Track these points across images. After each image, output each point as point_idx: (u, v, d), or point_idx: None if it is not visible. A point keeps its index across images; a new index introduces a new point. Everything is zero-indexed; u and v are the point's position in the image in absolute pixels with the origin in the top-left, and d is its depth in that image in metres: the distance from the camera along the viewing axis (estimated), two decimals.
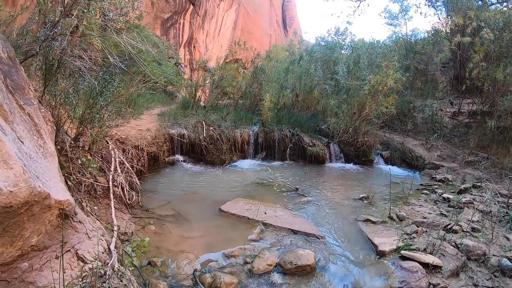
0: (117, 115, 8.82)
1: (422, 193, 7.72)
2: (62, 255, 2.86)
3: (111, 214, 4.68)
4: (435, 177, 9.39)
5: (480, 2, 14.31)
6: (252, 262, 4.07)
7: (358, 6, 19.58)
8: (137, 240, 4.40)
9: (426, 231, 5.16)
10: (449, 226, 5.24)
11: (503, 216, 5.86)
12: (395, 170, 10.83)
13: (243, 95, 13.82)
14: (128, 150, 7.30)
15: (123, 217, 5.08)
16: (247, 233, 4.95)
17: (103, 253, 3.47)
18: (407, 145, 11.80)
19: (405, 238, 4.88)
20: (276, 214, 5.67)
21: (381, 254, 4.44)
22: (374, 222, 5.61)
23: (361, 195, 7.13)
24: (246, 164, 10.09)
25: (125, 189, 5.57)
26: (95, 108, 5.46)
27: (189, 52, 28.40)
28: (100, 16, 12.45)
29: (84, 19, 8.00)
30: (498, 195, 7.39)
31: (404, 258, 4.22)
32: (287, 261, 4.00)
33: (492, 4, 14.41)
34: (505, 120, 10.80)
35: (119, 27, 14.26)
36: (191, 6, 27.44)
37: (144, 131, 8.59)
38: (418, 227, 5.33)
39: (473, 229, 5.25)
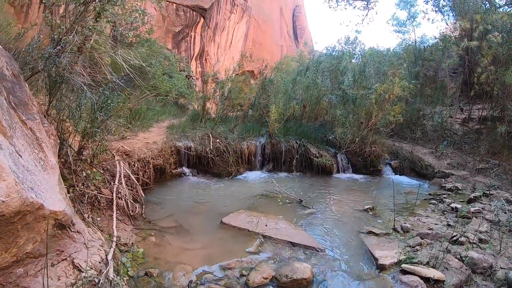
0: (124, 128, 9.02)
1: (430, 203, 7.52)
2: (47, 265, 2.95)
3: (112, 226, 4.80)
4: (444, 186, 9.15)
5: (487, 5, 14.10)
6: (248, 274, 4.06)
7: (366, 15, 19.44)
8: (135, 251, 4.48)
9: (431, 243, 4.99)
10: (454, 238, 5.05)
11: None
12: (404, 179, 10.66)
13: (251, 107, 13.88)
14: (134, 162, 7.40)
15: (125, 228, 5.20)
16: (247, 245, 4.95)
17: (100, 262, 3.59)
18: (416, 153, 11.60)
19: (408, 251, 4.74)
20: (277, 227, 5.64)
21: (382, 268, 4.36)
22: (377, 234, 5.51)
23: (366, 207, 7.01)
24: (253, 176, 10.07)
25: (128, 201, 5.70)
26: (96, 122, 5.62)
27: (201, 64, 28.68)
28: (111, 31, 12.79)
29: (90, 36, 8.24)
30: (509, 203, 7.10)
31: (404, 272, 4.11)
32: (283, 275, 3.97)
33: (500, 6, 14.17)
34: None
35: (128, 42, 14.61)
36: (202, 19, 27.81)
37: (150, 144, 8.69)
38: (422, 239, 5.19)
39: (481, 240, 5.05)
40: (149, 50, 16.41)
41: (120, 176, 6.05)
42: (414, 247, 4.91)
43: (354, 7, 19.56)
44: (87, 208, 4.86)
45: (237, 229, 5.58)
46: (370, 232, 5.59)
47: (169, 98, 16.74)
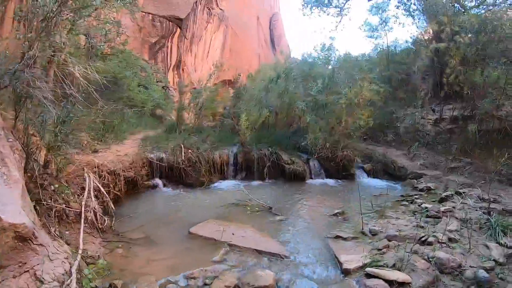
0: (97, 141, 8.89)
1: (401, 205, 7.53)
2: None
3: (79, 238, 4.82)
4: (417, 187, 9.21)
5: (458, 7, 14.42)
6: (211, 284, 4.02)
7: (340, 21, 19.78)
8: (101, 263, 4.47)
9: (399, 245, 4.96)
10: (423, 238, 5.07)
11: (484, 223, 5.62)
12: (377, 182, 10.72)
13: (226, 116, 13.87)
14: (104, 175, 7.33)
15: (94, 241, 5.19)
16: (213, 254, 4.90)
17: (63, 275, 3.62)
18: (390, 156, 11.71)
19: (375, 254, 4.73)
20: (244, 235, 5.60)
21: (346, 273, 4.33)
22: (344, 239, 5.49)
23: (336, 211, 6.99)
24: (225, 185, 9.99)
25: (97, 214, 5.71)
26: (59, 136, 5.61)
27: (178, 75, 28.58)
28: (85, 43, 12.66)
29: (61, 49, 8.14)
30: (480, 200, 7.18)
31: (369, 275, 4.10)
32: (245, 283, 3.92)
33: (470, 8, 14.53)
34: (486, 123, 10.72)
35: (102, 53, 14.48)
36: (178, 30, 27.79)
37: (122, 156, 8.57)
38: (390, 241, 5.18)
39: (450, 240, 5.05)
40: (123, 61, 16.33)
41: (89, 189, 6.03)
42: (381, 250, 4.89)
43: (328, 14, 19.89)
44: (54, 222, 4.86)
45: (204, 239, 5.55)
46: (337, 237, 5.57)
47: (145, 109, 16.61)
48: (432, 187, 8.88)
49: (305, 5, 19.74)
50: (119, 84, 14.82)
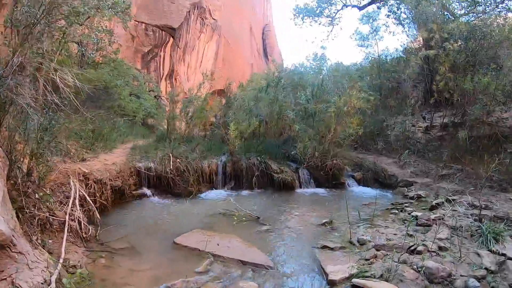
0: (86, 150, 8.81)
1: (391, 213, 7.42)
2: None
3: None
4: (407, 195, 9.17)
5: (448, 15, 14.55)
6: None
7: (331, 31, 19.95)
8: (82, 272, 4.38)
9: (387, 255, 4.86)
10: (412, 247, 4.98)
11: (475, 230, 5.53)
12: (367, 190, 10.64)
13: (216, 125, 13.82)
14: (91, 184, 7.25)
15: (77, 250, 5.14)
16: (196, 265, 4.80)
17: (42, 284, 3.58)
18: (380, 164, 11.65)
19: (363, 264, 4.61)
20: (229, 245, 5.49)
21: (332, 284, 4.21)
22: (332, 249, 5.36)
23: (324, 220, 6.87)
24: (214, 194, 9.88)
25: (82, 223, 5.67)
26: (41, 143, 5.63)
27: (171, 84, 28.61)
28: (77, 52, 12.64)
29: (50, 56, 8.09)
30: (471, 207, 7.08)
31: (355, 286, 4.01)
32: None
33: (460, 16, 14.67)
34: (477, 129, 10.75)
35: (92, 62, 14.45)
36: (171, 39, 27.87)
37: (109, 165, 8.47)
38: (378, 250, 5.06)
39: (440, 248, 4.95)
40: (115, 70, 16.32)
41: (74, 198, 5.99)
42: (368, 259, 4.78)
43: (320, 24, 20.07)
44: (37, 230, 4.81)
45: (188, 249, 5.45)
46: (324, 247, 5.44)
47: (136, 118, 16.57)
48: (422, 195, 8.83)
49: (297, 14, 19.93)
50: (110, 92, 14.80)
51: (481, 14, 14.08)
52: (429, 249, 4.88)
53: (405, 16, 16.69)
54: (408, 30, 16.80)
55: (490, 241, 5.02)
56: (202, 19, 31.53)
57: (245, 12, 43.59)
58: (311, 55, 20.82)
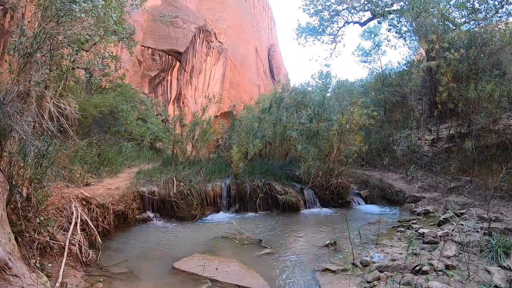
0: (91, 175, 8.91)
1: (397, 231, 7.20)
2: None
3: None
4: (415, 211, 8.94)
5: (449, 24, 14.51)
6: None
7: (334, 48, 20.02)
8: None
9: (391, 276, 4.68)
10: (418, 267, 4.76)
11: (485, 245, 5.27)
12: (374, 208, 10.38)
13: (221, 147, 13.83)
14: (93, 208, 7.29)
15: (76, 274, 5.20)
16: None
17: None
18: (387, 180, 11.46)
19: (364, 287, 4.48)
20: (228, 269, 5.40)
21: None
22: (333, 271, 5.20)
23: (327, 242, 6.71)
24: (218, 217, 9.77)
25: (82, 247, 5.71)
26: (39, 169, 5.75)
27: (178, 108, 28.88)
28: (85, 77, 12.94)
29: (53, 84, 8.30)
30: (481, 220, 6.86)
31: None
32: None
33: (461, 24, 14.62)
34: (484, 138, 10.53)
35: (99, 87, 14.75)
36: (178, 63, 28.28)
37: (112, 190, 8.49)
38: (381, 272, 4.87)
39: (447, 267, 4.73)
40: (121, 95, 16.59)
41: (76, 222, 6.04)
42: (370, 282, 4.60)
43: (322, 42, 20.17)
44: (36, 254, 4.90)
45: (187, 274, 5.39)
46: (326, 270, 5.29)
47: (144, 142, 16.69)
48: (430, 210, 8.60)
49: (299, 34, 20.10)
50: (116, 117, 15.00)
51: (482, 21, 14.03)
52: (435, 268, 4.67)
53: (405, 29, 16.80)
54: (410, 42, 16.87)
55: (500, 256, 4.80)
56: (208, 42, 32.02)
57: (250, 33, 44.20)
58: (316, 73, 20.88)
